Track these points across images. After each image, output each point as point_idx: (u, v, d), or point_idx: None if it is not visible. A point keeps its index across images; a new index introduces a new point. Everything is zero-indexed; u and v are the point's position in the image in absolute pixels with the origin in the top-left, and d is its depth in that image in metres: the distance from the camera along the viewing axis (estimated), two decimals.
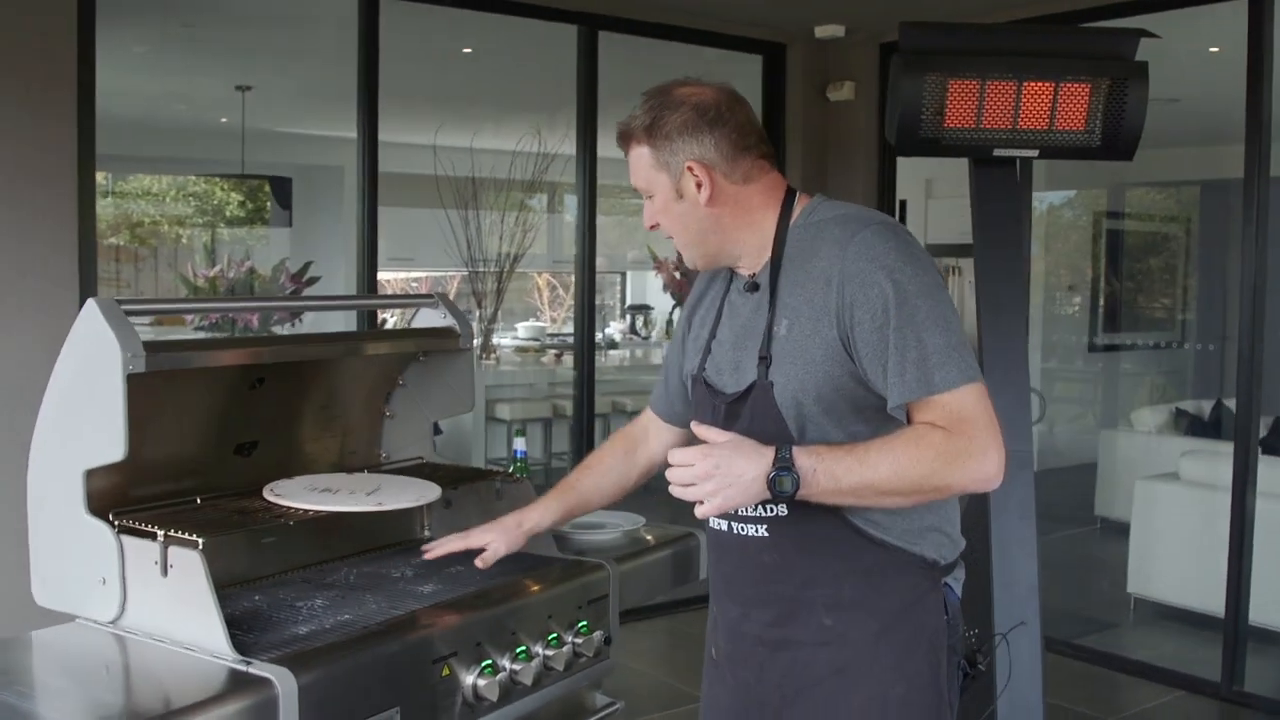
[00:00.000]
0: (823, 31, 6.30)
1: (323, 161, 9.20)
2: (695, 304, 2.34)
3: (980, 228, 3.52)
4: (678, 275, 8.61)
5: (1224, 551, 5.19)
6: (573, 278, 6.53)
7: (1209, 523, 5.70)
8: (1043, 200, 10.04)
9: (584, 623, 2.52)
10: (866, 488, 1.93)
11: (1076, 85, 3.32)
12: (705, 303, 2.30)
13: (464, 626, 2.28)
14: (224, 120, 8.35)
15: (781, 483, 1.89)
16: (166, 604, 2.09)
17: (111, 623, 2.17)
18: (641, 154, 2.13)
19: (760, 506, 2.07)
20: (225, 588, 2.42)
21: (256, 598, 2.40)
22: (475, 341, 8.56)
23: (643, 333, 11.31)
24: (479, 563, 2.44)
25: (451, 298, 2.93)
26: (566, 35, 6.06)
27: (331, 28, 6.35)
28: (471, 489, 2.80)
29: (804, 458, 1.91)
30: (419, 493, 2.51)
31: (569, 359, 9.22)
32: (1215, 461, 6.04)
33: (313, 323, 7.86)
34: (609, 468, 2.56)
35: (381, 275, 11.49)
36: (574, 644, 2.48)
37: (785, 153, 6.70)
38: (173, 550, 2.08)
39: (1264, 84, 4.95)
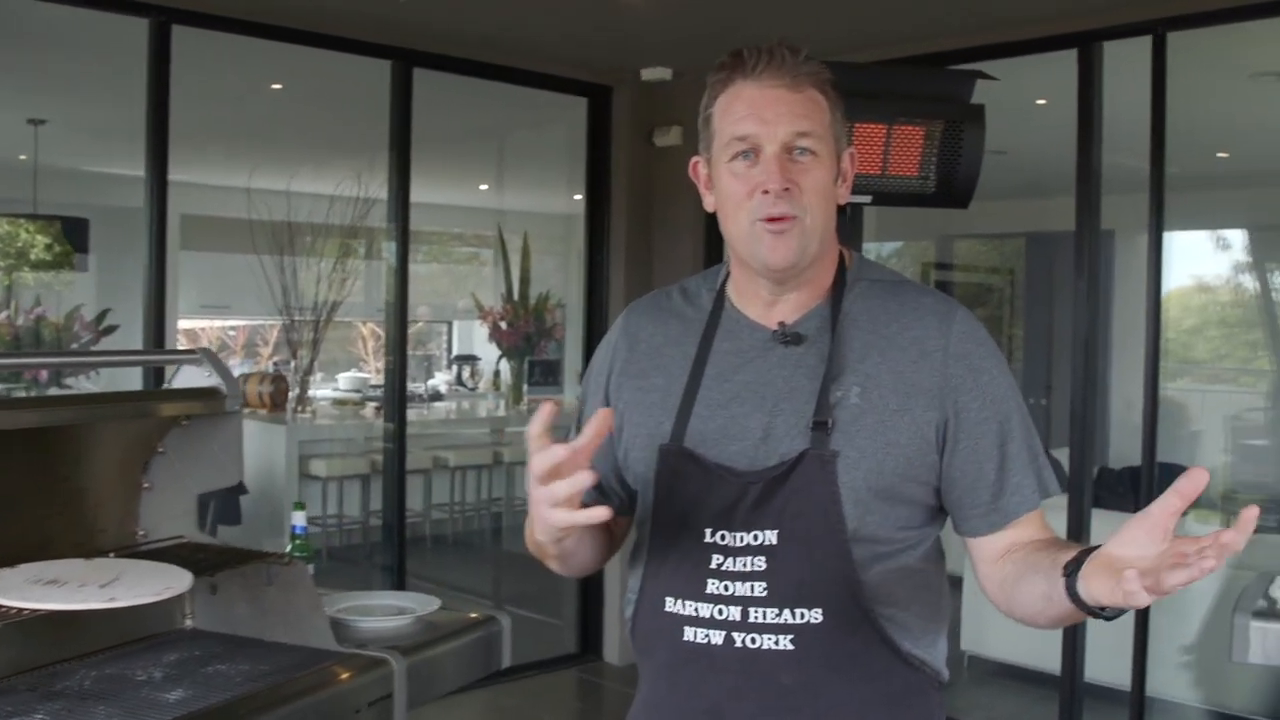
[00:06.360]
0: (649, 74, 6.09)
1: (125, 202, 8.67)
2: (630, 353, 1.88)
3: None
4: (503, 325, 8.29)
5: None
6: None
7: None
8: (871, 252, 10.04)
9: None
10: None
11: (910, 128, 3.13)
12: (659, 351, 1.86)
13: None
14: (22, 157, 7.80)
15: None
16: None
17: None
18: (820, 102, 1.73)
19: (788, 611, 1.68)
20: None
21: None
22: (291, 396, 8.19)
23: (469, 384, 10.97)
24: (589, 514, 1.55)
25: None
26: (381, 73, 5.74)
27: (128, 59, 5.93)
28: (237, 574, 2.45)
29: None
30: (164, 583, 2.14)
31: None
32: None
33: (110, 378, 7.34)
34: None
35: (194, 323, 11.00)
36: None
37: (611, 199, 6.47)
38: None
39: (1094, 136, 4.88)
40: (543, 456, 1.48)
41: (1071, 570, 1.51)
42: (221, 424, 2.50)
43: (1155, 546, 1.38)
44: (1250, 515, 1.31)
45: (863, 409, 1.69)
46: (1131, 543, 1.40)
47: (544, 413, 1.50)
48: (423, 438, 8.80)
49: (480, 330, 10.38)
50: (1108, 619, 1.52)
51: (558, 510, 1.51)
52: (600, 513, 1.51)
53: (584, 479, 1.48)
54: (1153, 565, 1.35)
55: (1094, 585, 1.46)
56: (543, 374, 9.23)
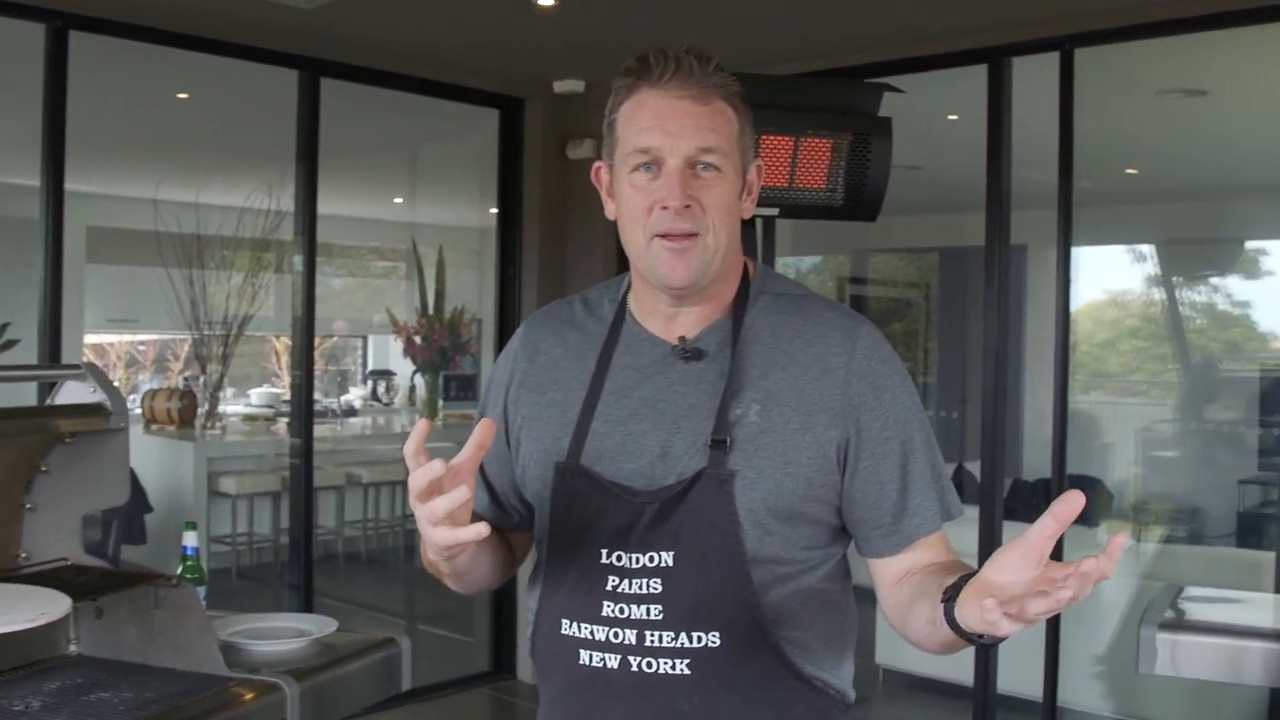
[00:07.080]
0: (561, 86, 6.05)
1: (26, 213, 8.46)
2: (530, 365, 1.82)
3: None
4: (417, 340, 8.20)
5: None
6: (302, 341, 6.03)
7: None
8: (790, 268, 10.06)
9: None
10: None
11: (817, 140, 3.11)
12: (558, 364, 1.80)
13: None
14: None
15: None
16: None
17: None
18: (727, 114, 1.68)
19: (685, 635, 1.62)
20: None
21: None
22: (201, 411, 8.02)
23: (384, 399, 10.85)
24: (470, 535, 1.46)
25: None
26: (288, 83, 5.64)
27: (25, 64, 5.78)
28: (125, 597, 2.35)
29: None
30: (39, 608, 2.04)
31: None
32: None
33: (11, 396, 7.15)
34: None
35: (101, 338, 10.75)
36: None
37: (523, 212, 6.41)
38: None
39: (1003, 152, 4.92)
40: (420, 474, 1.43)
41: (950, 596, 1.48)
42: (107, 441, 2.40)
43: (1029, 572, 1.33)
44: (1117, 543, 1.27)
45: (762, 427, 1.65)
46: (1006, 568, 1.36)
47: (419, 430, 1.45)
48: (336, 454, 8.67)
49: (396, 345, 10.27)
50: (985, 645, 1.49)
51: (440, 528, 1.46)
52: (480, 529, 1.45)
53: (461, 495, 1.42)
54: (1024, 591, 1.31)
55: (965, 612, 1.42)
56: (458, 389, 9.14)
